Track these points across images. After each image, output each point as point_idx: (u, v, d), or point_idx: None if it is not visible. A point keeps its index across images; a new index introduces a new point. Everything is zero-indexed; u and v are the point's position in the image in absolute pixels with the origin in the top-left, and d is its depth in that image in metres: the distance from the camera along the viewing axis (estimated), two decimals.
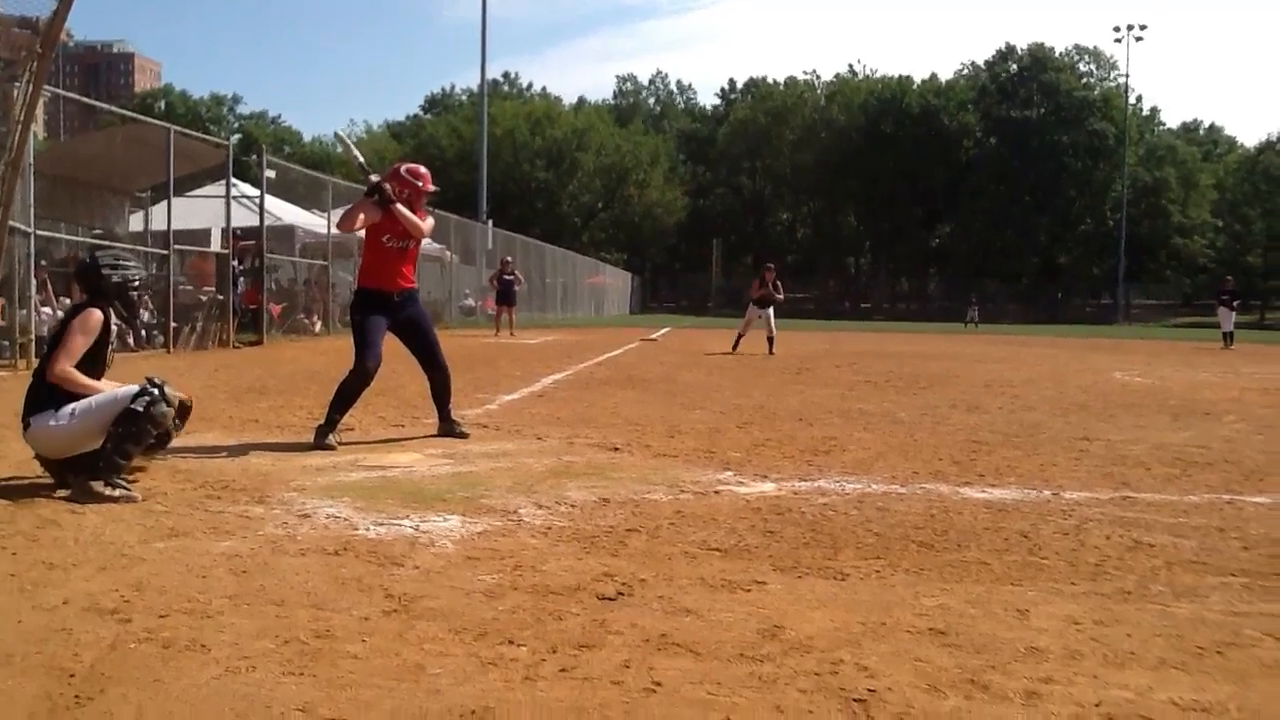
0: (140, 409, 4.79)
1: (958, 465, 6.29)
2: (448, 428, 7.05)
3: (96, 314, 5.00)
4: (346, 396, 6.65)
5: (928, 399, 10.73)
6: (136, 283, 5.28)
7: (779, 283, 19.76)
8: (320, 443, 6.34)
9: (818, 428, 8.04)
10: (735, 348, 18.81)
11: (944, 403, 10.26)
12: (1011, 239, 75.02)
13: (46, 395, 4.87)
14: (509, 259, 26.86)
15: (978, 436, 7.61)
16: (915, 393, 11.56)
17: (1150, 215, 73.91)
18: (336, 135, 9.54)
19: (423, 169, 7.14)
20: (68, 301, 13.86)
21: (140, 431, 4.81)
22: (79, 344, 4.95)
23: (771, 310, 19.25)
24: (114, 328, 5.12)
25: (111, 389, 4.93)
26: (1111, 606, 3.38)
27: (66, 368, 4.89)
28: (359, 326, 6.85)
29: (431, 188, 7.12)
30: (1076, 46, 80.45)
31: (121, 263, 5.23)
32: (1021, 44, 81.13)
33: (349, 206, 7.24)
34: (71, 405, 4.82)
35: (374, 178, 6.90)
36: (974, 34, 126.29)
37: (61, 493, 4.69)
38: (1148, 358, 21.42)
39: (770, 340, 18.85)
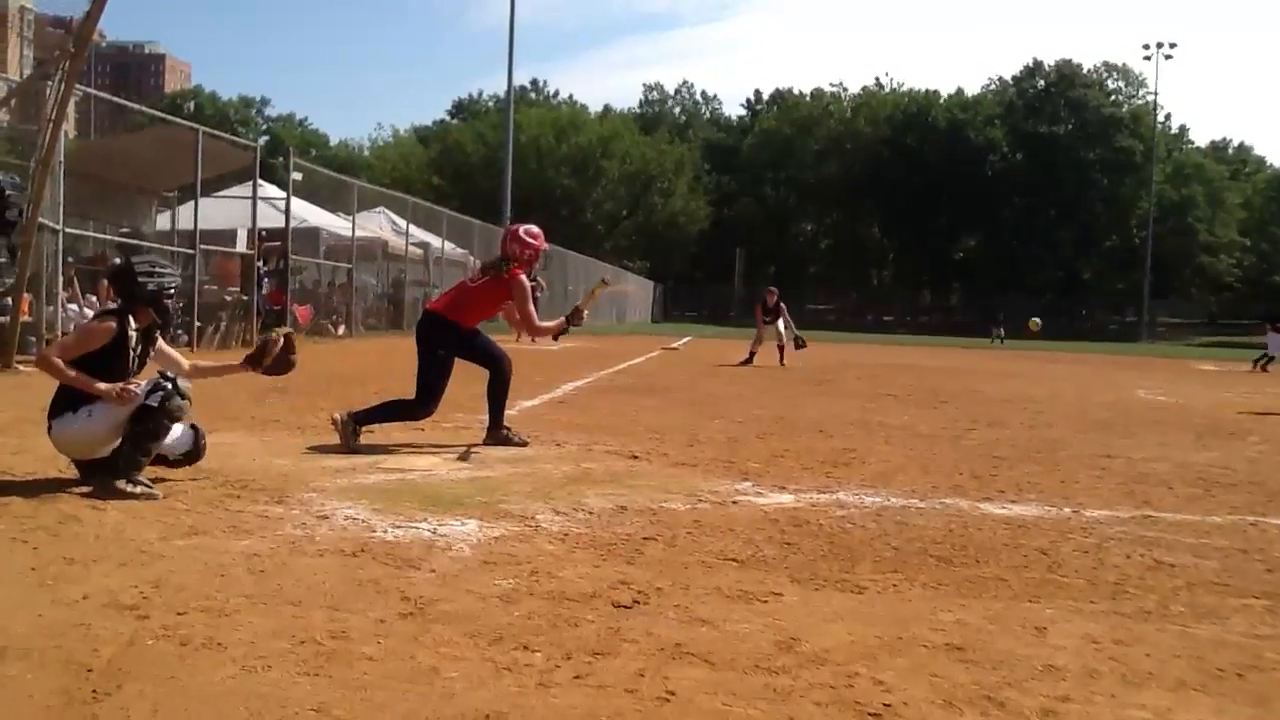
0: (155, 404, 4.80)
1: (978, 480, 6.25)
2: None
3: (108, 326, 4.98)
4: (395, 414, 7.01)
5: (948, 413, 10.68)
6: (172, 290, 5.26)
7: (782, 304, 19.07)
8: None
9: (837, 439, 8.01)
10: (749, 360, 18.24)
11: (965, 417, 10.21)
12: (1035, 253, 74.62)
13: (67, 397, 4.92)
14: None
15: (998, 452, 7.57)
16: (936, 406, 11.51)
17: (1176, 233, 73.32)
18: (603, 280, 10.07)
19: (537, 229, 7.33)
20: (94, 299, 13.98)
21: (158, 427, 4.84)
22: (73, 342, 5.08)
23: (781, 322, 18.80)
24: (133, 334, 5.06)
25: (107, 387, 4.85)
26: (1131, 626, 3.35)
27: (50, 357, 4.97)
28: (448, 371, 6.99)
29: (545, 246, 7.41)
30: (1105, 64, 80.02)
31: (157, 270, 5.20)
32: (1049, 60, 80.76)
33: (549, 323, 7.49)
34: (89, 406, 4.85)
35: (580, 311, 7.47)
36: (1002, 49, 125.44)
37: (84, 489, 4.73)
38: (1171, 376, 21.26)
39: (781, 350, 18.52)
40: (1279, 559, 4.39)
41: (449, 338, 6.95)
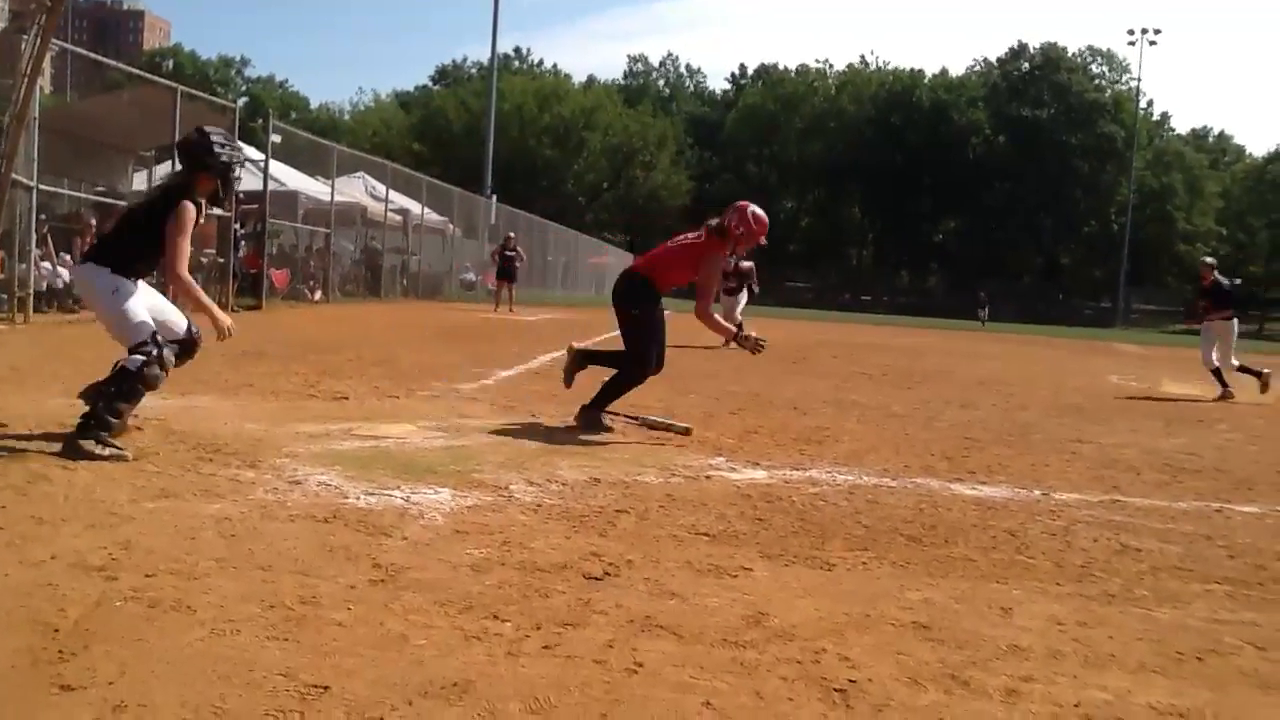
0: (134, 369, 4.79)
1: (949, 461, 6.30)
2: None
3: (189, 208, 4.93)
4: (620, 390, 6.71)
5: (922, 394, 10.74)
6: (237, 170, 5.28)
7: (746, 265, 15.92)
8: (590, 425, 6.54)
9: (811, 417, 8.05)
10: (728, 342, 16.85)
11: (938, 398, 10.28)
12: (1015, 237, 74.91)
13: (119, 253, 4.93)
14: (512, 235, 26.75)
15: (970, 434, 7.63)
16: (910, 387, 11.57)
17: (1155, 220, 73.67)
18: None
19: (766, 218, 6.85)
20: (68, 257, 13.83)
21: (131, 391, 4.83)
22: (184, 241, 4.93)
23: (743, 298, 16.61)
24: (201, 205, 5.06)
25: (169, 313, 5.09)
26: (1095, 608, 3.40)
27: (185, 276, 4.95)
28: (655, 325, 6.83)
29: (763, 241, 6.93)
30: (1090, 48, 79.99)
31: (229, 142, 5.21)
32: (1035, 43, 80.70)
33: (721, 320, 7.37)
34: (117, 284, 4.87)
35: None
36: (987, 30, 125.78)
37: (55, 447, 4.69)
38: (1144, 362, 21.44)
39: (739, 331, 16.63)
40: (1242, 545, 4.45)
41: (640, 294, 6.73)
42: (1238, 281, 13.24)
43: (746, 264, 15.66)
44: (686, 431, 6.59)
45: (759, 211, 6.81)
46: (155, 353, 4.83)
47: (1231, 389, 12.10)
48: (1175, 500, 5.48)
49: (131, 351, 4.83)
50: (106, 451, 4.65)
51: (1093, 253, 75.62)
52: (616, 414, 6.78)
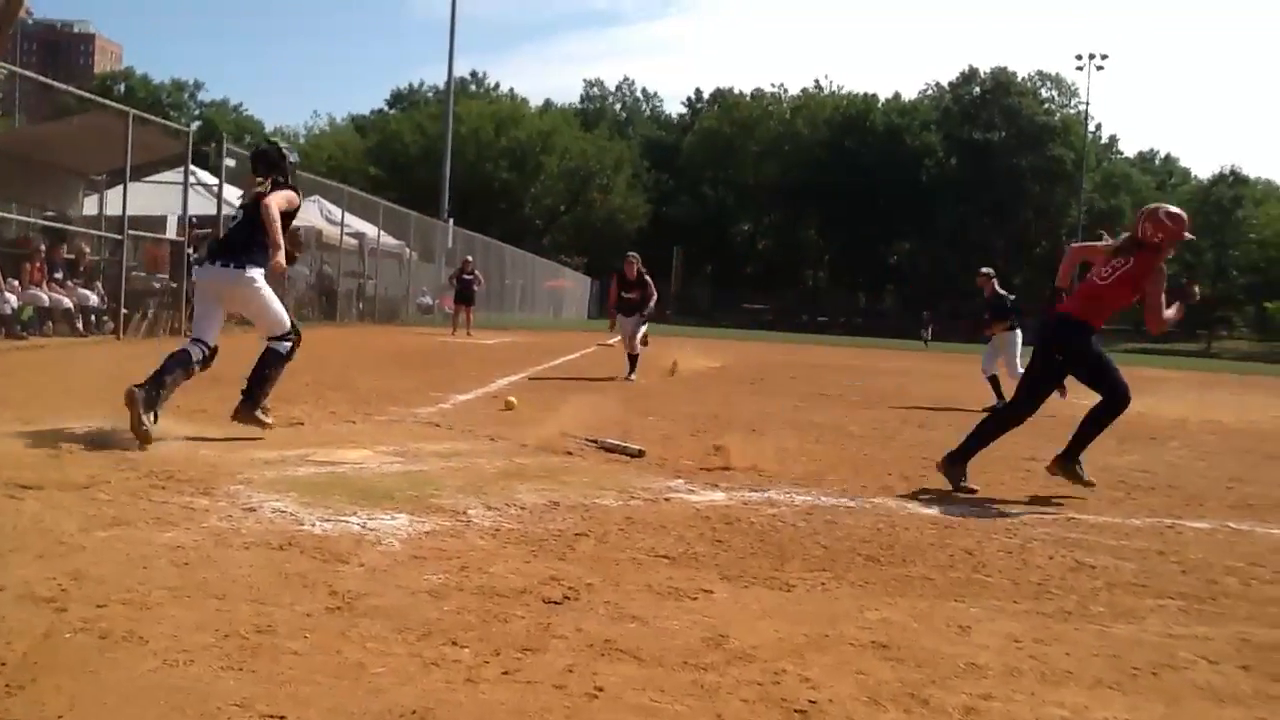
0: (283, 351, 6.44)
1: (906, 481, 6.35)
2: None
3: (293, 193, 6.40)
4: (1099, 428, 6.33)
5: (879, 414, 10.82)
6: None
7: (646, 276, 13.74)
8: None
9: (770, 437, 8.07)
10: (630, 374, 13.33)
11: (895, 418, 10.35)
12: (967, 258, 75.81)
13: (249, 247, 6.24)
14: (470, 258, 26.73)
15: (927, 453, 7.68)
16: (867, 407, 11.65)
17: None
18: None
19: (1180, 212, 6.52)
20: (15, 283, 13.61)
21: (278, 372, 6.46)
22: (285, 203, 6.32)
23: (637, 320, 13.68)
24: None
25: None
26: (1052, 625, 3.43)
27: (274, 206, 6.17)
28: (1108, 364, 6.43)
29: (1188, 234, 6.61)
30: (1040, 72, 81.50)
31: (293, 149, 6.71)
32: (985, 67, 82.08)
33: (1170, 311, 6.54)
34: (260, 274, 6.27)
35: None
36: (938, 54, 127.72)
37: (8, 476, 4.59)
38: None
39: (631, 359, 13.50)
40: (1194, 561, 4.51)
41: (1076, 340, 6.35)
42: (1013, 298, 13.26)
43: (646, 279, 13.62)
44: (640, 454, 6.60)
45: (1170, 209, 6.51)
46: (297, 338, 6.46)
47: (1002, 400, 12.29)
48: (1129, 517, 5.55)
49: (280, 338, 6.40)
50: (269, 419, 6.38)
51: (1044, 273, 76.54)
52: (572, 436, 6.77)
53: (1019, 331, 12.66)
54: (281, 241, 6.14)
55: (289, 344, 6.46)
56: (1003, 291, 13.01)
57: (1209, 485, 6.90)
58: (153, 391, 5.84)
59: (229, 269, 6.26)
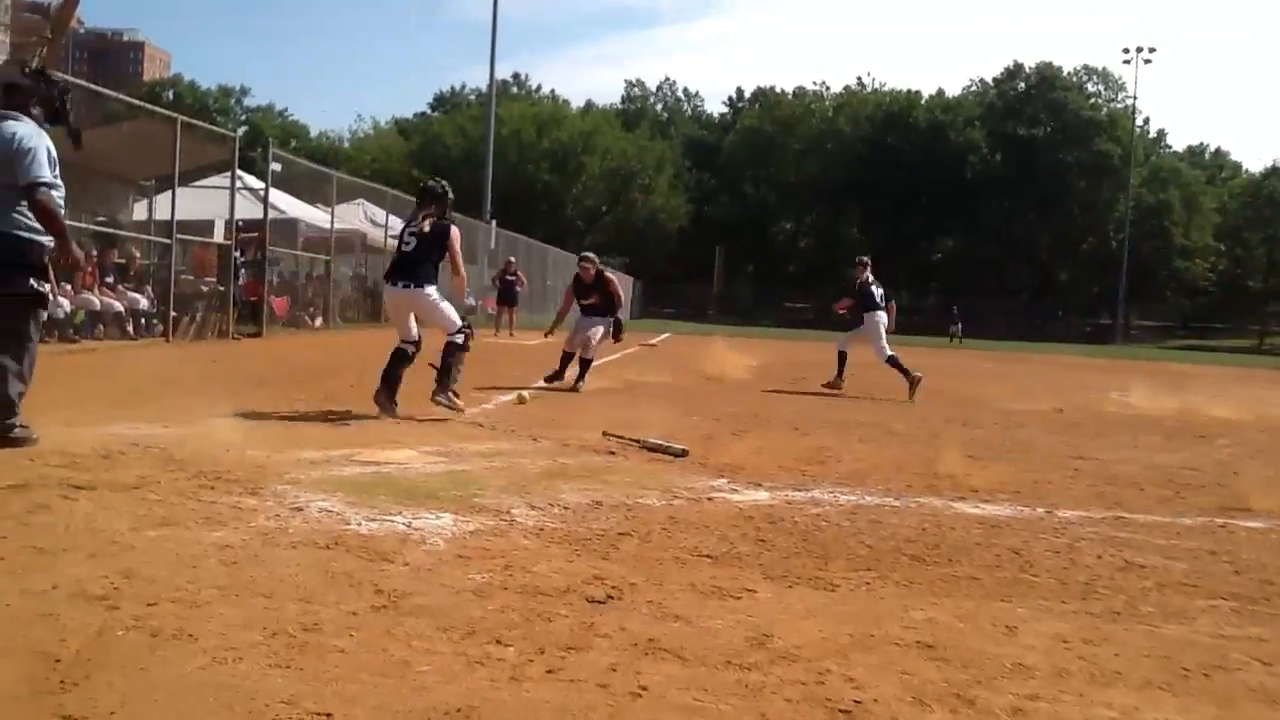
0: (459, 342, 7.86)
1: (951, 480, 6.28)
2: None
3: (457, 229, 8.07)
4: None
5: (922, 412, 10.74)
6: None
7: (608, 276, 12.00)
8: None
9: (813, 437, 8.04)
10: (554, 377, 11.50)
11: (938, 417, 10.27)
12: (1013, 255, 75.05)
13: (429, 273, 7.86)
14: (512, 260, 26.83)
15: (972, 452, 7.61)
16: (910, 405, 11.56)
17: (1152, 236, 73.76)
18: None
19: None
20: (68, 287, 13.85)
21: (460, 361, 7.87)
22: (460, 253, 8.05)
23: (596, 327, 11.56)
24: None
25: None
26: (1100, 626, 3.38)
27: (464, 272, 8.31)
28: None
29: None
30: (1085, 67, 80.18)
31: (447, 186, 8.16)
32: (1030, 62, 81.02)
33: None
34: (436, 289, 7.89)
35: None
36: (982, 51, 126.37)
37: (60, 477, 4.68)
38: (1143, 378, 21.41)
39: (583, 364, 11.47)
40: (1247, 560, 4.44)
41: None
42: (882, 291, 13.40)
43: (608, 280, 11.94)
44: (683, 453, 6.59)
45: None
46: (470, 330, 8.02)
47: (843, 381, 13.01)
48: (1179, 516, 5.47)
49: (455, 332, 7.87)
50: (461, 403, 7.84)
51: (1090, 269, 75.69)
52: (614, 435, 6.77)
53: (881, 316, 13.18)
54: (464, 270, 8.24)
55: (463, 336, 7.91)
56: (873, 280, 13.46)
57: (1261, 483, 6.77)
58: (388, 389, 7.59)
59: (410, 288, 7.81)
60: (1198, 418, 11.77)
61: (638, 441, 6.81)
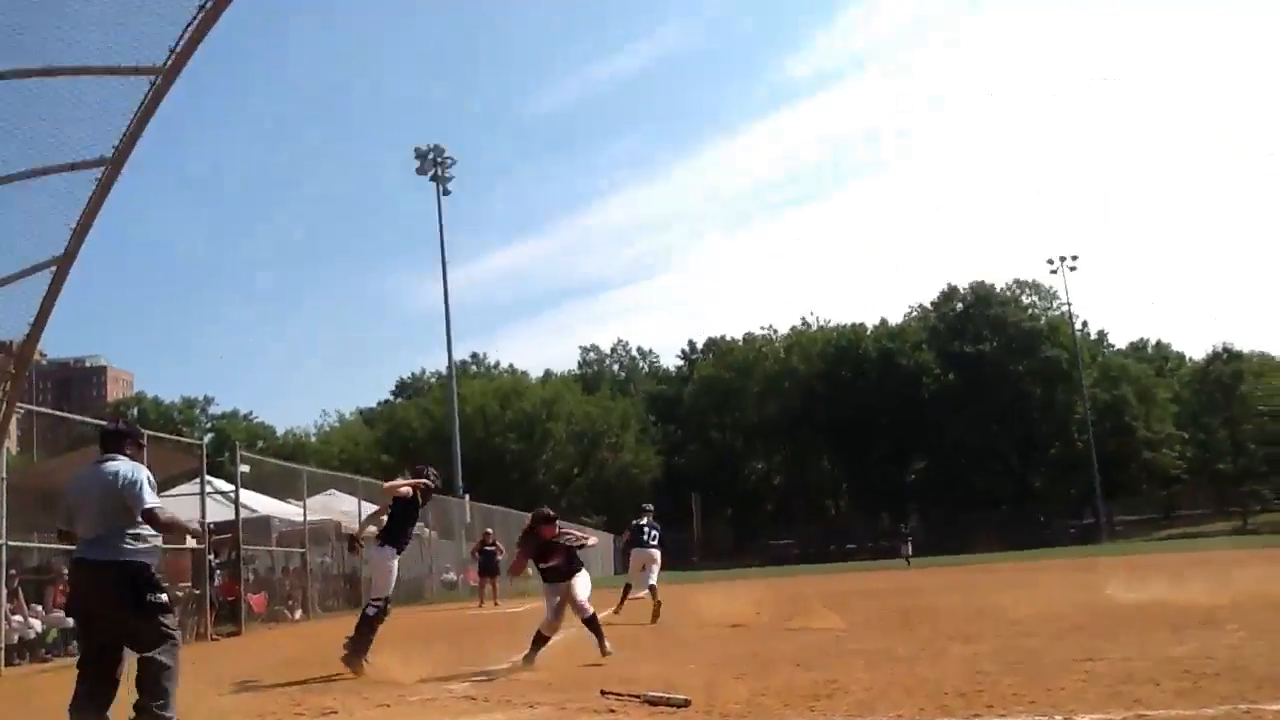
0: (371, 613, 9.35)
1: (963, 698, 6.12)
2: None
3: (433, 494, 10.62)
4: None
5: (922, 633, 10.54)
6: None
7: (567, 531, 10.82)
8: None
9: (817, 671, 7.83)
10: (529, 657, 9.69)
11: (939, 635, 10.07)
12: (983, 468, 75.61)
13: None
14: (489, 530, 26.87)
15: (979, 666, 7.44)
16: (910, 627, 11.35)
17: (1116, 433, 74.77)
18: None
19: None
20: (39, 609, 13.62)
21: (371, 633, 9.23)
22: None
23: (579, 582, 10.31)
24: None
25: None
26: None
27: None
28: None
29: None
30: (1017, 280, 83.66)
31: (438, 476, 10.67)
32: (964, 283, 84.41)
33: None
34: (392, 553, 9.87)
35: None
36: (918, 276, 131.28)
37: None
38: (1136, 572, 21.22)
39: (589, 625, 10.24)
40: None
41: None
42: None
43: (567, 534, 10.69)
44: (686, 703, 6.39)
45: None
46: (382, 605, 9.37)
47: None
48: (1201, 707, 5.33)
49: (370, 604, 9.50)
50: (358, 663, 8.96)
51: (1062, 472, 76.17)
52: (613, 693, 6.58)
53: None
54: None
55: (374, 610, 9.38)
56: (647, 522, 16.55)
57: (1277, 666, 6.63)
58: (360, 643, 9.21)
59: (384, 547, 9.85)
60: (1200, 605, 11.63)
61: (638, 696, 6.60)
